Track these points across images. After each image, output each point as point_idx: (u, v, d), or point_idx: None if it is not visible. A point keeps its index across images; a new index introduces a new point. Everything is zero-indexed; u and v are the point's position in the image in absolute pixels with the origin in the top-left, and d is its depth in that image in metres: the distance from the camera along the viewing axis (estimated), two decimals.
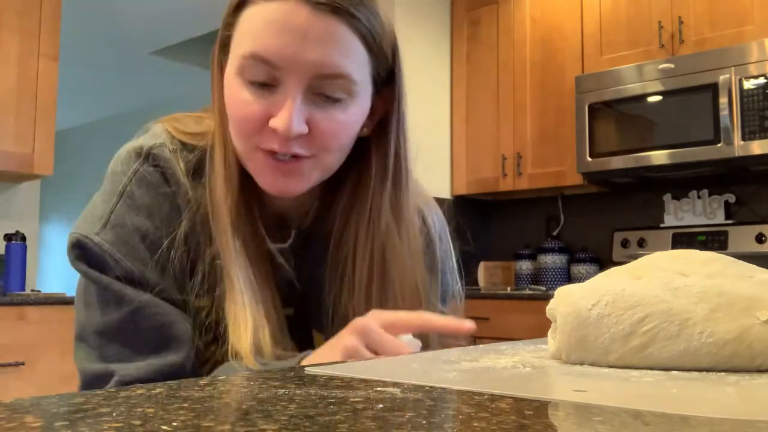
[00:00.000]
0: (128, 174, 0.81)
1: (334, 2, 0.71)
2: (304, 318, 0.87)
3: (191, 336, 0.78)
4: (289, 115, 0.71)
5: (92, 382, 0.77)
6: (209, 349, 0.80)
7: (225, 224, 0.78)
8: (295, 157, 0.75)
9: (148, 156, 0.81)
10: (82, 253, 0.78)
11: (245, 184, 0.80)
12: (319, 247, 0.86)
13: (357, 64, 0.75)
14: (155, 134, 0.84)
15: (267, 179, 0.77)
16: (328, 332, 0.83)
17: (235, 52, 0.75)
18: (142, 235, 0.79)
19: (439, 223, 0.97)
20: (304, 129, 0.73)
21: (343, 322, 0.78)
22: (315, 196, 0.86)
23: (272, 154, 0.74)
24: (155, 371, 0.75)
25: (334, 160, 0.79)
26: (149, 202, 0.80)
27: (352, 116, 0.77)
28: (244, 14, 0.74)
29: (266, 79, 0.73)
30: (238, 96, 0.74)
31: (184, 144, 0.83)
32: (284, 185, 0.77)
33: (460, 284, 0.97)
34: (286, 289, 0.84)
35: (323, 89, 0.74)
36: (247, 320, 0.75)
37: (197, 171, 0.82)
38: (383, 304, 0.80)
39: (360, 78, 0.76)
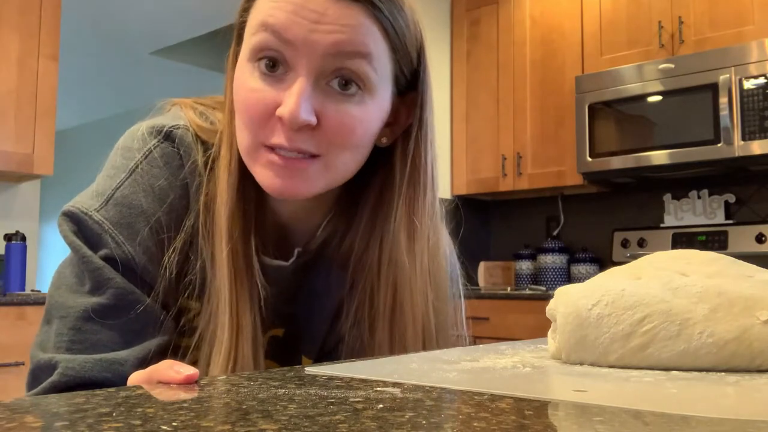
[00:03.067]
0: (143, 150, 0.73)
1: None
2: (294, 340, 0.80)
3: (168, 346, 0.71)
4: (296, 100, 0.64)
5: (36, 371, 0.69)
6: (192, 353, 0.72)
7: (221, 237, 0.71)
8: (302, 154, 0.67)
9: (168, 135, 0.74)
10: (78, 228, 0.71)
11: (248, 193, 0.73)
12: (324, 270, 0.80)
13: (377, 51, 0.68)
14: (176, 116, 0.77)
15: (269, 178, 0.68)
16: (323, 359, 0.79)
17: (248, 35, 0.69)
18: (148, 221, 0.71)
19: (452, 267, 0.86)
20: (312, 119, 0.66)
21: (360, 354, 0.74)
22: (325, 210, 0.79)
23: (277, 150, 0.67)
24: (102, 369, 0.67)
25: (345, 162, 0.70)
26: (162, 185, 0.72)
27: (368, 113, 0.69)
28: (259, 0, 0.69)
29: (277, 59, 0.67)
30: (247, 83, 0.68)
31: (199, 138, 0.76)
32: (288, 186, 0.68)
33: (466, 337, 0.85)
34: (281, 308, 0.78)
35: (338, 75, 0.67)
36: (222, 347, 0.69)
37: (210, 170, 0.75)
38: (402, 339, 0.75)
39: (379, 67, 0.68)
